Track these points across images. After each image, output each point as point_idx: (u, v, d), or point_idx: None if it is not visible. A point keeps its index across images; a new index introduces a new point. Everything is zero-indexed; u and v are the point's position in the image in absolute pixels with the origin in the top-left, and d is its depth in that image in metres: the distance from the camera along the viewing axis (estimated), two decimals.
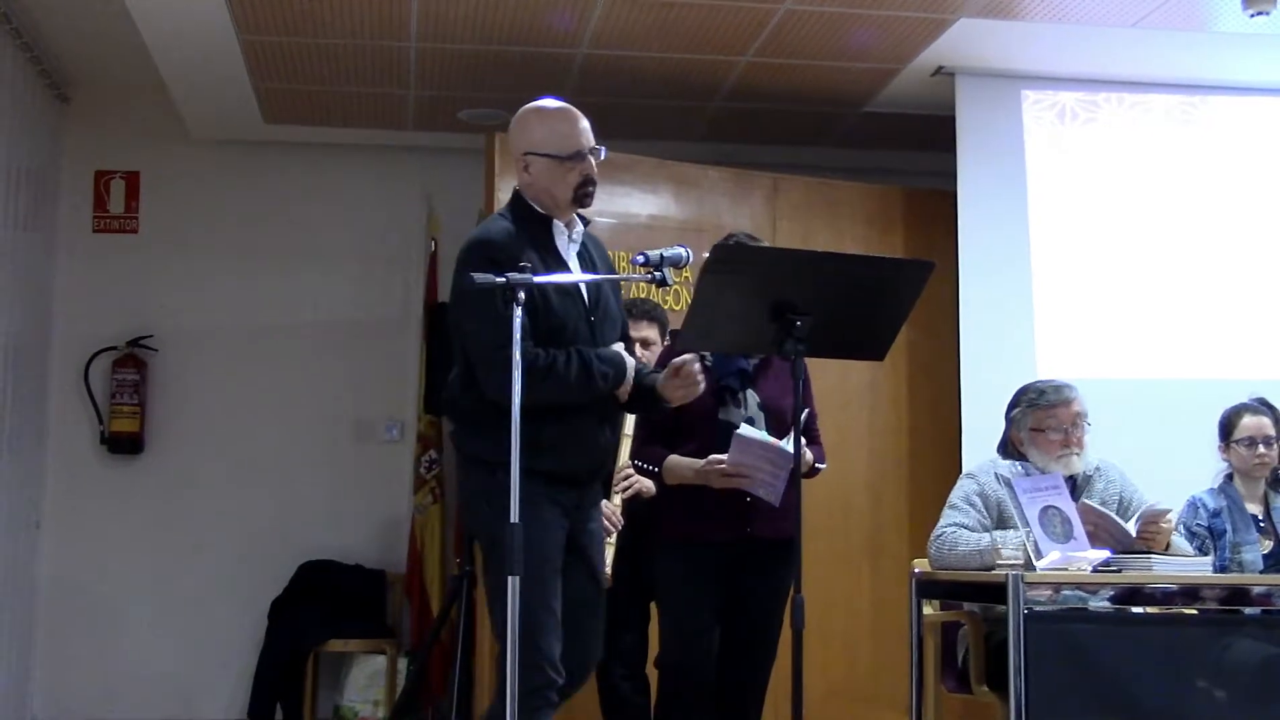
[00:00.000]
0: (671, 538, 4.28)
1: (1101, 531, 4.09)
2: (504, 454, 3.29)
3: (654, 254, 3.49)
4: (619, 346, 3.63)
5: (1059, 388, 4.41)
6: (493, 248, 3.53)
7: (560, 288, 3.56)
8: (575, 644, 3.59)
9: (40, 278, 6.67)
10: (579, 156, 3.61)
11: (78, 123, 6.90)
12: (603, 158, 3.67)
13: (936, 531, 4.27)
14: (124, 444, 6.77)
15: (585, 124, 3.67)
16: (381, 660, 6.57)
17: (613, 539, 4.36)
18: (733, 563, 4.16)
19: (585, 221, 3.72)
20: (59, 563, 6.72)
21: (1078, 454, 4.35)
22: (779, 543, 4.20)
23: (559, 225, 3.66)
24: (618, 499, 4.42)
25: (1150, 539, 4.14)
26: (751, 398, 4.23)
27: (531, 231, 3.61)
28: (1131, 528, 4.10)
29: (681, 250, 3.53)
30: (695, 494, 4.18)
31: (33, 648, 6.63)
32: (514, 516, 3.20)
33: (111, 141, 6.96)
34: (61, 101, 6.77)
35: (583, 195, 3.63)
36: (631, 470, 4.43)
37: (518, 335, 3.26)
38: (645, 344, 4.63)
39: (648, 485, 4.41)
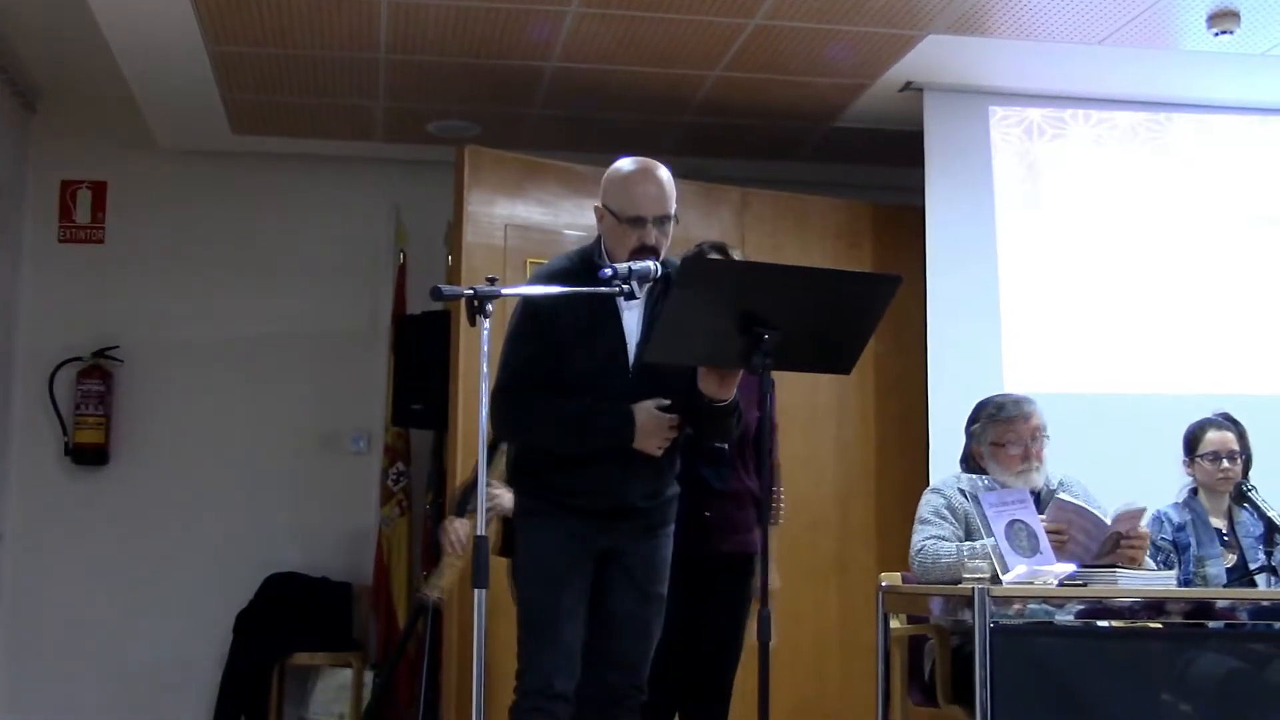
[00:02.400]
0: None
1: (1076, 530, 4.10)
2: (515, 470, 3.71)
3: (622, 268, 3.48)
4: (650, 403, 3.55)
5: (1018, 402, 4.43)
6: (538, 278, 3.74)
7: (596, 334, 3.57)
8: (612, 655, 3.64)
9: (4, 288, 6.62)
10: (638, 222, 3.58)
11: (44, 132, 6.86)
12: (670, 226, 3.62)
13: (916, 546, 4.27)
14: (89, 455, 6.72)
15: (660, 191, 3.60)
16: (347, 673, 6.54)
17: (456, 560, 4.54)
18: (695, 578, 4.16)
19: (658, 270, 3.54)
20: (23, 575, 6.67)
21: (1037, 468, 4.37)
22: (740, 557, 4.23)
23: None
24: (467, 521, 4.51)
25: (1133, 547, 4.13)
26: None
27: (590, 271, 3.57)
28: (1107, 518, 4.11)
29: (650, 263, 3.52)
30: None
31: None
32: (480, 529, 3.21)
33: (78, 151, 6.91)
34: (27, 110, 6.73)
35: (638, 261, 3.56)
36: (498, 489, 4.28)
37: (485, 347, 3.27)
38: None
39: (504, 505, 4.27)
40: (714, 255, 4.39)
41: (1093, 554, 4.09)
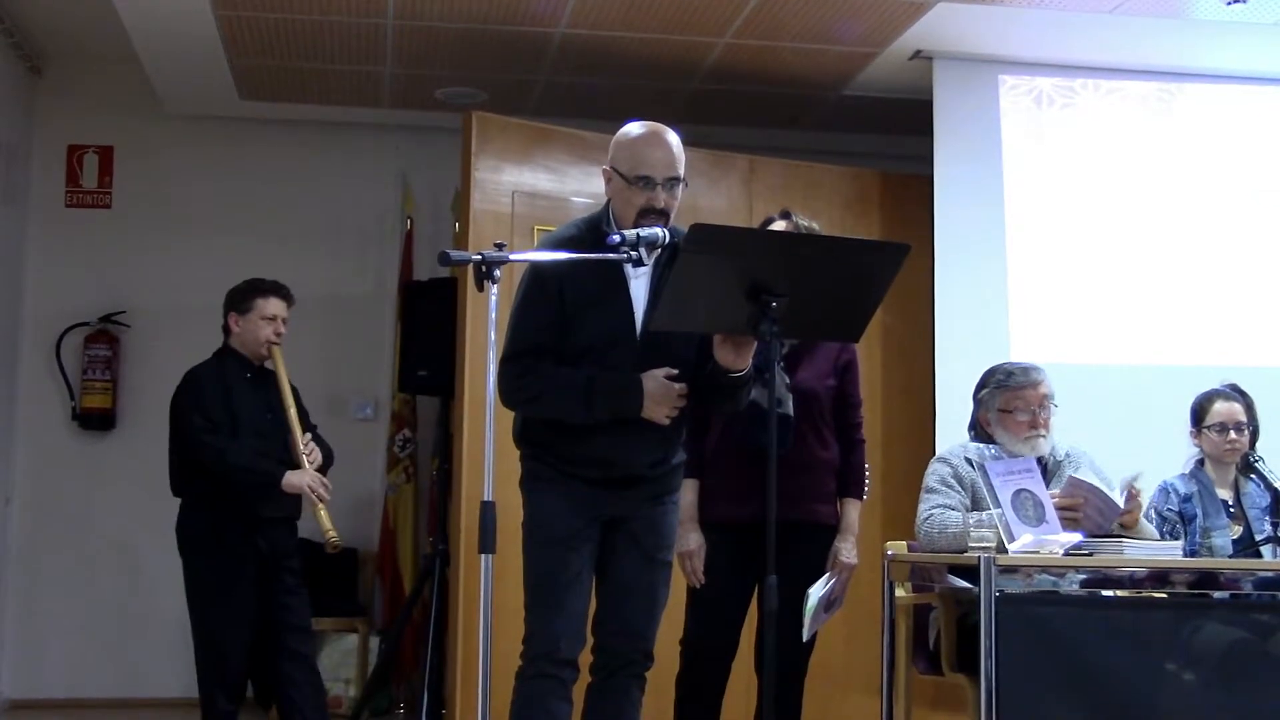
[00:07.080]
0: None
1: (1090, 508, 4.10)
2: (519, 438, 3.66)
3: (630, 234, 3.46)
4: (659, 372, 3.53)
5: (1026, 370, 4.43)
6: (546, 246, 3.71)
7: (604, 302, 3.55)
8: (619, 621, 3.64)
9: (11, 252, 6.63)
10: (646, 183, 3.54)
11: (50, 95, 6.85)
12: (679, 189, 3.57)
13: (923, 515, 4.27)
14: (95, 420, 6.74)
15: (669, 153, 3.56)
16: (353, 639, 6.56)
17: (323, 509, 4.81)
18: (758, 545, 4.12)
19: (668, 238, 3.49)
20: (29, 539, 6.69)
21: (1044, 436, 4.37)
22: (805, 526, 4.19)
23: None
24: (313, 470, 4.87)
25: (1131, 510, 4.14)
26: (780, 379, 4.16)
27: (597, 240, 3.55)
28: (1119, 499, 4.11)
29: (658, 230, 3.50)
30: (714, 476, 4.18)
31: (2, 625, 6.60)
32: (487, 494, 3.21)
33: (85, 115, 6.91)
34: (34, 74, 6.72)
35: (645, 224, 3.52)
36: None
37: (493, 314, 3.26)
38: (273, 319, 5.15)
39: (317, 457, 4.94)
40: (780, 223, 4.37)
41: (1104, 532, 4.09)
